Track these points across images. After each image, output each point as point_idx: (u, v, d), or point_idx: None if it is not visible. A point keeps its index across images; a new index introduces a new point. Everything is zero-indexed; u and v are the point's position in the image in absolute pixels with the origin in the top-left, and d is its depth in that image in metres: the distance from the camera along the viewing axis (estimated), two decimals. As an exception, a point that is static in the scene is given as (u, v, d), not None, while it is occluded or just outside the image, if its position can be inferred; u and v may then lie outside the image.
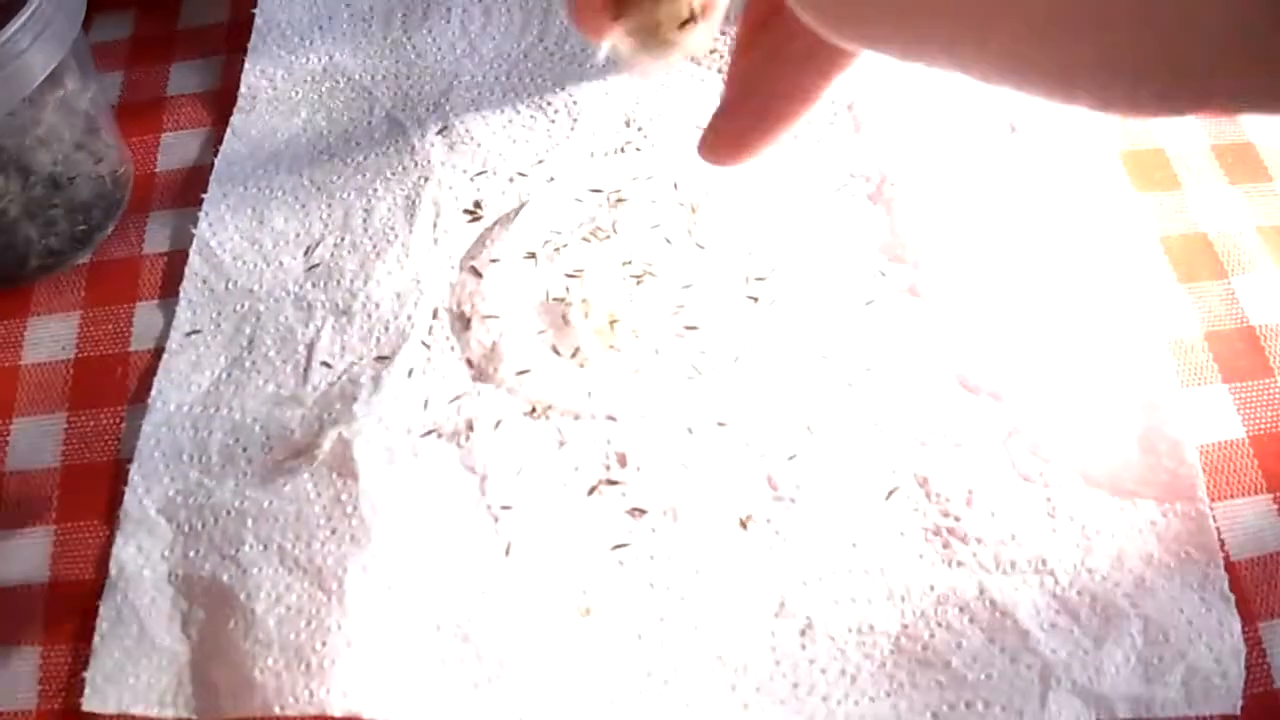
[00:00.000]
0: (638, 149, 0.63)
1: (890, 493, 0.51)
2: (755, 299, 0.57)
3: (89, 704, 0.48)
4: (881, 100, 0.63)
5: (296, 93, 0.68)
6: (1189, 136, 0.63)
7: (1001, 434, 0.53)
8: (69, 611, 0.51)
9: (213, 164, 0.65)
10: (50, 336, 0.60)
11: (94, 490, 0.55)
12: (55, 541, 0.53)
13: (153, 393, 0.56)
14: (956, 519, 0.50)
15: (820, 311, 0.56)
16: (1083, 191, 0.60)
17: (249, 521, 0.52)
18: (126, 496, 0.53)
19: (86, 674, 0.49)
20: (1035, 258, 0.58)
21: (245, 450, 0.54)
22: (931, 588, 0.49)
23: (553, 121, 0.65)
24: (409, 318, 0.57)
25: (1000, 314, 0.56)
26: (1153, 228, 0.60)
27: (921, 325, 0.56)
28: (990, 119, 0.63)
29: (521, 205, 0.61)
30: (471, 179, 0.63)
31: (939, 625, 0.48)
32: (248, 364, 0.57)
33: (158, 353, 0.58)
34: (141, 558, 0.52)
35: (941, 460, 0.52)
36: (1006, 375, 0.54)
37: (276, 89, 0.68)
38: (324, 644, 0.48)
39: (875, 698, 0.47)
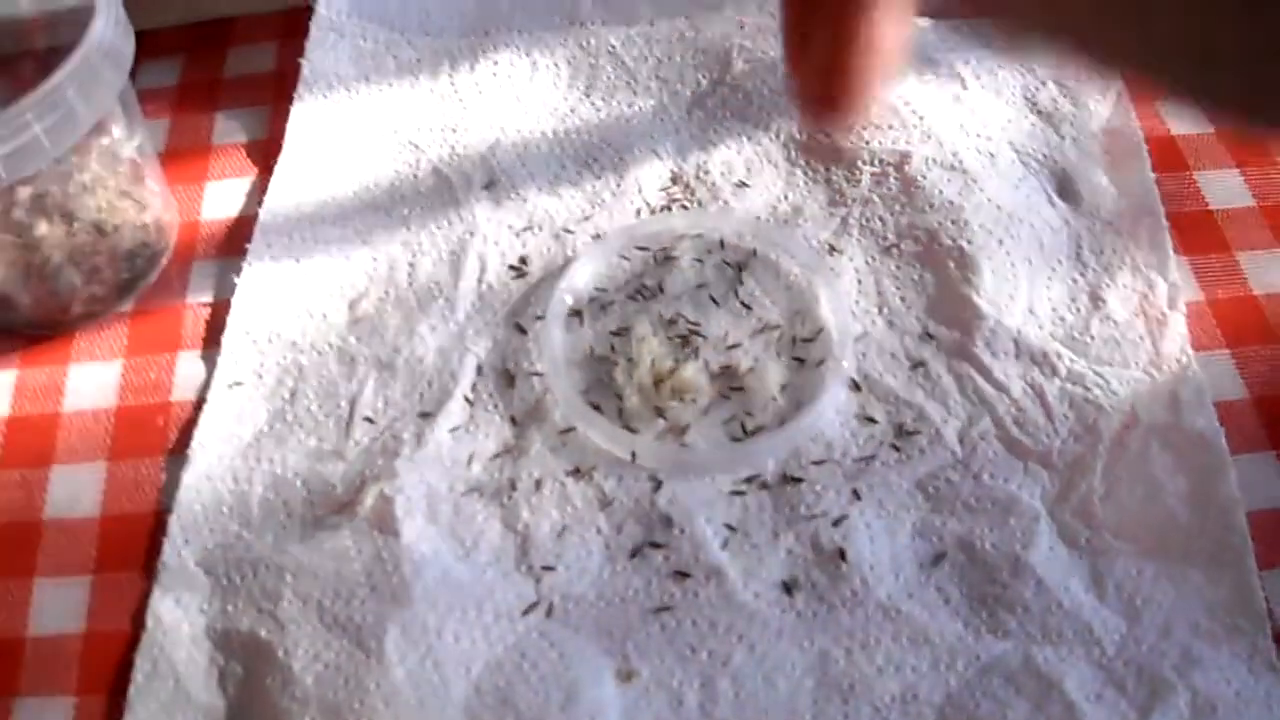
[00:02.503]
0: (684, 206, 0.63)
1: (936, 559, 0.51)
2: (801, 360, 0.57)
3: (122, 757, 0.48)
4: (931, 160, 0.63)
5: (342, 144, 0.68)
6: (1237, 198, 0.63)
7: (1049, 501, 0.52)
8: (104, 663, 0.51)
9: (257, 214, 0.65)
10: (92, 384, 0.60)
11: (133, 541, 0.54)
12: (92, 592, 0.53)
13: (193, 444, 0.56)
14: (1003, 587, 0.50)
15: (867, 374, 0.56)
16: (1131, 254, 0.59)
17: (288, 577, 0.51)
18: (165, 548, 0.53)
19: (121, 727, 0.48)
20: (1084, 320, 0.57)
21: (286, 504, 0.54)
22: (977, 657, 0.48)
23: (599, 178, 0.65)
24: (452, 374, 0.57)
25: (1049, 378, 0.55)
26: (1201, 291, 0.59)
27: (968, 389, 0.55)
28: (1038, 179, 0.62)
29: (567, 262, 0.61)
30: (517, 234, 0.63)
31: (984, 695, 0.47)
32: (289, 417, 0.57)
33: (199, 404, 0.58)
34: (179, 610, 0.51)
35: (988, 527, 0.51)
36: (1054, 441, 0.53)
37: (323, 139, 0.68)
38: (361, 703, 0.48)
39: (919, 769, 0.46)
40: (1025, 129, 0.65)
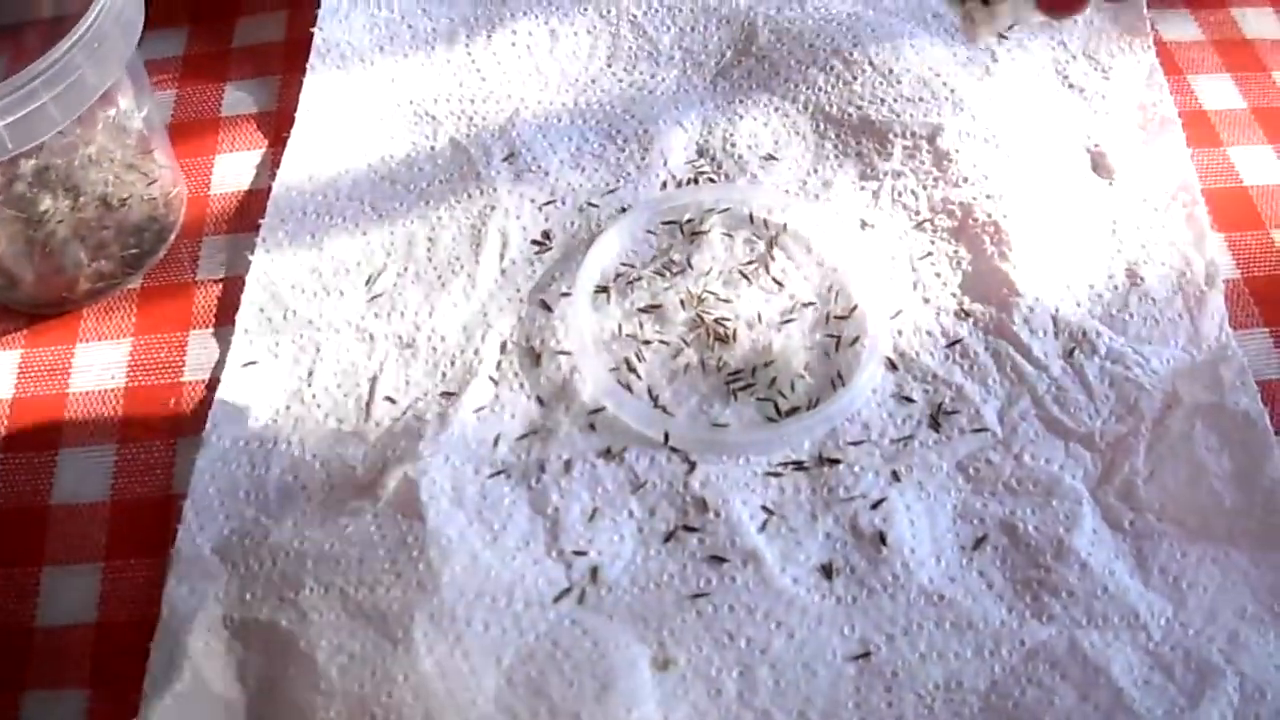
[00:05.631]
0: (711, 179, 0.61)
1: (978, 542, 0.49)
2: (835, 338, 0.55)
3: (138, 751, 0.46)
4: (963, 134, 0.61)
5: (357, 116, 0.66)
6: (1272, 174, 0.62)
7: (1091, 482, 0.51)
8: (118, 654, 0.49)
9: (269, 187, 0.63)
10: (99, 364, 0.58)
11: (145, 526, 0.53)
12: (104, 580, 0.52)
13: (208, 425, 0.54)
14: (1046, 570, 0.49)
15: (903, 352, 0.55)
16: (1166, 229, 0.58)
17: (309, 563, 0.50)
18: (180, 534, 0.51)
19: (136, 721, 0.47)
20: (1122, 298, 0.56)
21: (305, 488, 0.52)
22: (1022, 643, 0.47)
23: (622, 150, 0.63)
24: (476, 352, 0.56)
25: (1089, 356, 0.54)
26: (1238, 268, 0.58)
27: (1006, 367, 0.54)
28: (1072, 154, 0.61)
29: (592, 236, 0.59)
30: (539, 208, 0.61)
31: (1030, 682, 0.46)
32: (307, 397, 0.55)
33: (212, 384, 0.56)
34: (195, 599, 0.50)
35: (1030, 509, 0.50)
36: (1095, 421, 0.52)
37: (337, 112, 0.66)
38: (390, 695, 0.46)
39: (965, 757, 0.45)
40: (1057, 103, 0.64)
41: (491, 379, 0.55)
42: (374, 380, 0.55)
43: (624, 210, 0.60)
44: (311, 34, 0.69)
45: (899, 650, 0.47)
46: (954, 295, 0.57)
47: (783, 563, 0.49)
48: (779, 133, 0.63)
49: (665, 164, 0.62)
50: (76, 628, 0.50)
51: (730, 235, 0.59)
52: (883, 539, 0.49)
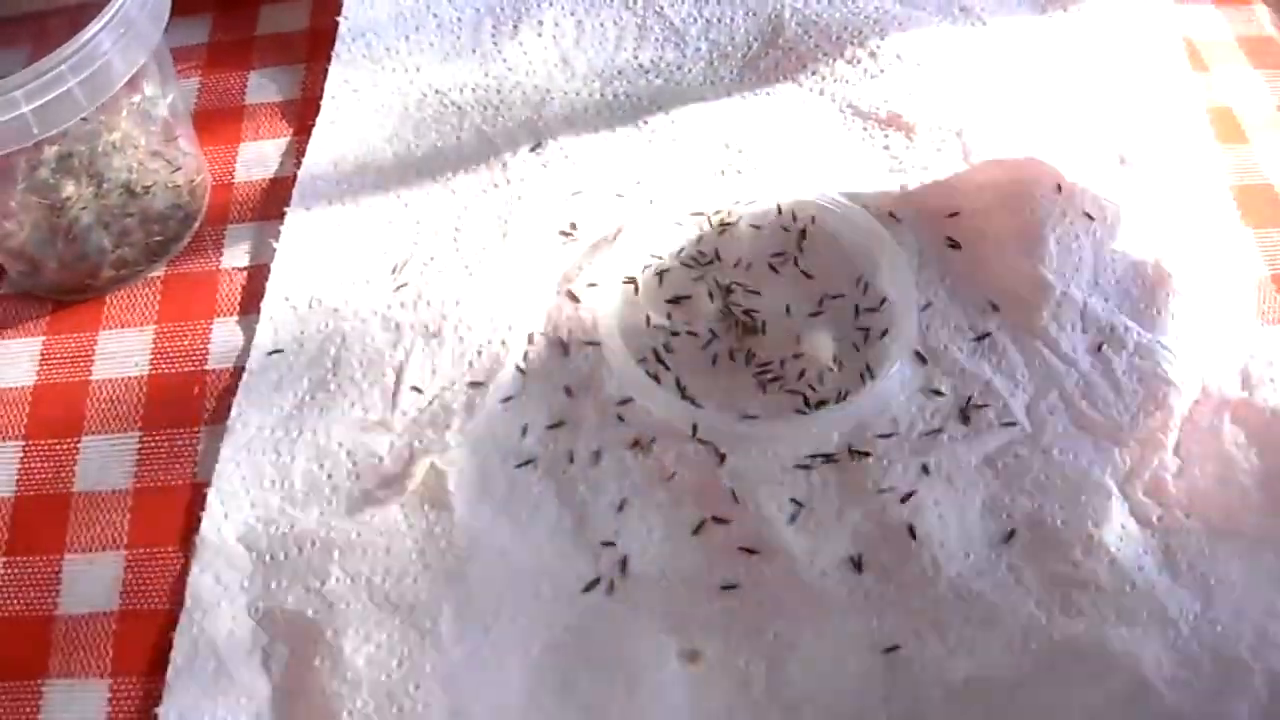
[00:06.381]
0: (739, 171, 0.61)
1: (1007, 537, 0.49)
2: (864, 330, 0.55)
3: (161, 741, 0.46)
4: (990, 128, 0.61)
5: (382, 105, 0.66)
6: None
7: (1119, 477, 0.51)
8: (140, 643, 0.49)
9: (294, 176, 0.63)
10: (123, 351, 0.58)
11: (168, 515, 0.52)
12: (126, 568, 0.51)
13: (233, 413, 0.54)
14: (1075, 565, 0.48)
15: (932, 346, 0.54)
16: (1193, 225, 0.58)
17: (335, 553, 0.49)
18: (204, 522, 0.51)
19: (159, 710, 0.47)
20: (1149, 292, 0.56)
21: (330, 477, 0.52)
22: (1051, 638, 0.47)
23: (650, 141, 0.63)
24: (503, 342, 0.55)
25: (1117, 351, 0.54)
26: (1264, 263, 0.58)
27: (1035, 361, 0.54)
28: (1100, 151, 0.61)
29: (620, 228, 0.59)
30: (566, 199, 0.61)
31: (1058, 678, 0.46)
32: (332, 386, 0.55)
33: (236, 372, 0.56)
34: (220, 587, 0.49)
35: (1059, 504, 0.50)
36: (1124, 416, 0.52)
37: (362, 100, 0.66)
38: (417, 687, 0.46)
39: (994, 753, 0.45)
40: (1084, 97, 0.63)
41: (519, 369, 0.55)
42: (400, 370, 0.55)
43: (651, 201, 0.60)
44: (335, 22, 0.69)
45: (928, 644, 0.47)
46: (982, 289, 0.56)
47: (811, 556, 0.49)
48: (807, 125, 0.63)
49: (692, 156, 0.62)
50: (99, 616, 0.50)
51: (758, 227, 0.59)
52: (912, 532, 0.49)
